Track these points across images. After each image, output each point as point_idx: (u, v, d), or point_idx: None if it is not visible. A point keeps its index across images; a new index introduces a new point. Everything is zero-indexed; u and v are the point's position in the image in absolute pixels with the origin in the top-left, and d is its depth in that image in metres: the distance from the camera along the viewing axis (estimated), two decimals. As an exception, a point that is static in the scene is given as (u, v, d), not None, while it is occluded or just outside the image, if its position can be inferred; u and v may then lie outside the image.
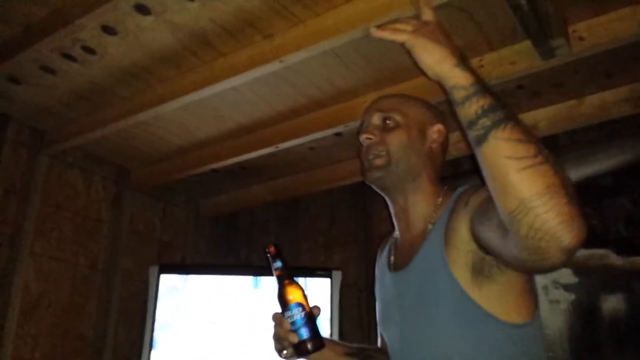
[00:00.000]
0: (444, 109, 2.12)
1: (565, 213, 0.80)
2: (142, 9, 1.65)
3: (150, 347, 2.38)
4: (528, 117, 2.21)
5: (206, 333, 2.41)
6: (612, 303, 2.00)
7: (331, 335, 2.37)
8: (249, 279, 2.50)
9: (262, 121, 2.29)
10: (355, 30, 1.62)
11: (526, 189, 0.82)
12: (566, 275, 2.10)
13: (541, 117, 2.19)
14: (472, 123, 0.90)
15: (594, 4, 1.67)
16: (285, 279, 1.20)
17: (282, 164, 2.67)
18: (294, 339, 1.15)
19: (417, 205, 1.23)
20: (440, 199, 1.22)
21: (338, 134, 2.32)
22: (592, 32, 1.71)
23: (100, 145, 2.49)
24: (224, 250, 3.14)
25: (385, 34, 1.04)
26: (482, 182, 0.98)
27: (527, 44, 1.73)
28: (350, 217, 2.79)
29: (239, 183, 2.92)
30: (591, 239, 2.04)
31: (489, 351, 1.03)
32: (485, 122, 0.89)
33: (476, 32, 1.76)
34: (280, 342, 1.20)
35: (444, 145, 1.33)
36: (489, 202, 0.96)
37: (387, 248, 1.36)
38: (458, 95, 0.93)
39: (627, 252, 2.02)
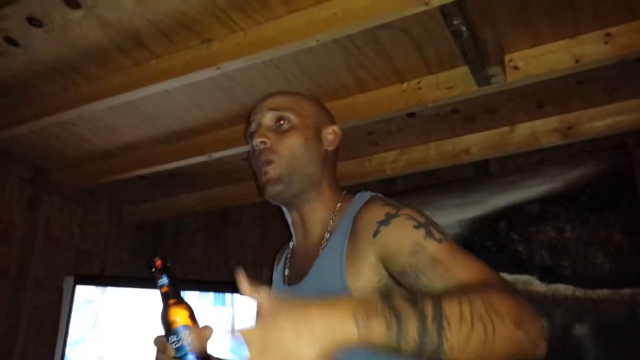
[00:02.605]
0: (393, 125, 2.15)
1: (535, 336, 0.78)
2: (72, 2, 1.55)
3: (61, 362, 2.22)
4: (461, 141, 2.25)
5: (123, 349, 2.28)
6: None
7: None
8: (171, 293, 2.39)
9: (194, 128, 2.21)
10: (295, 42, 1.59)
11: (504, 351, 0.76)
12: (491, 300, 2.13)
13: (473, 141, 2.23)
14: (420, 348, 0.72)
15: (530, 35, 1.71)
16: (171, 298, 1.06)
17: (214, 174, 2.58)
18: None
19: (315, 212, 1.14)
20: (339, 205, 1.13)
21: (273, 147, 2.26)
22: (527, 63, 1.76)
23: (18, 143, 2.31)
24: (146, 262, 2.97)
25: None
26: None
27: (464, 69, 1.76)
28: (282, 232, 2.69)
29: (167, 191, 2.80)
30: (516, 265, 2.11)
31: None
32: (429, 339, 0.72)
33: (416, 54, 1.77)
34: None
35: (338, 147, 1.23)
36: (417, 264, 0.90)
37: (282, 259, 1.26)
38: (389, 341, 0.71)
39: (550, 279, 2.07)
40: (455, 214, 2.30)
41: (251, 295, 0.75)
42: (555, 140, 2.13)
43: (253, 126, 1.17)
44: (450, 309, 0.73)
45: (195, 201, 2.82)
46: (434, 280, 0.88)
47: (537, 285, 2.08)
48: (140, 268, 2.95)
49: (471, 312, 0.74)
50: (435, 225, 0.97)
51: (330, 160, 1.19)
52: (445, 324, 0.72)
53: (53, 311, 2.40)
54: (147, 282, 2.45)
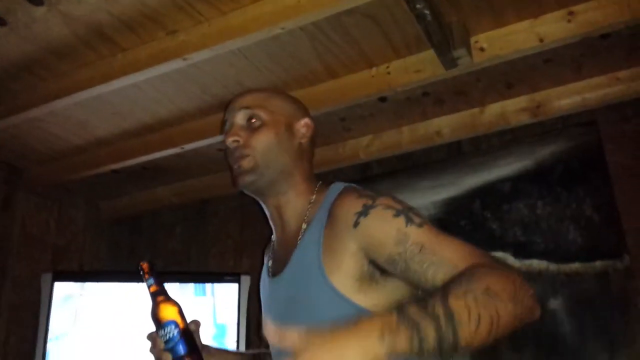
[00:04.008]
0: (365, 111, 2.16)
1: (529, 306, 0.85)
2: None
3: (43, 359, 2.22)
4: (432, 123, 2.27)
5: (105, 343, 2.28)
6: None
7: (237, 342, 2.32)
8: (151, 286, 2.39)
9: (166, 120, 2.20)
10: (261, 31, 1.59)
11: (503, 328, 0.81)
12: (467, 278, 2.17)
13: (445, 124, 2.25)
14: (440, 348, 0.78)
15: (494, 16, 1.73)
16: (158, 296, 1.14)
17: (189, 165, 2.58)
18: (167, 358, 1.08)
19: (290, 205, 1.17)
20: (314, 196, 1.16)
21: (247, 136, 2.26)
22: (493, 44, 1.78)
23: (-11, 142, 2.30)
24: (125, 256, 3.00)
25: None
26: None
27: (431, 52, 1.77)
28: (260, 221, 2.71)
29: (143, 184, 2.80)
30: (490, 242, 2.15)
31: None
32: (445, 338, 0.77)
33: (383, 39, 1.77)
34: None
35: (313, 139, 1.26)
36: (405, 253, 0.94)
37: (268, 253, 1.30)
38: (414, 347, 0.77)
39: (524, 255, 2.11)
40: (430, 196, 2.32)
41: (281, 341, 0.80)
42: (525, 119, 2.16)
43: (227, 125, 1.20)
44: (458, 305, 0.78)
45: (172, 194, 2.81)
46: (425, 267, 0.93)
47: (511, 261, 2.11)
48: (120, 262, 2.95)
49: (476, 302, 0.79)
50: (412, 209, 1.00)
51: (305, 152, 1.22)
52: (457, 321, 0.77)
53: (33, 308, 2.39)
54: (126, 275, 2.48)
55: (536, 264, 2.10)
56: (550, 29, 1.72)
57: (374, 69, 1.92)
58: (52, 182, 2.58)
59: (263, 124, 1.17)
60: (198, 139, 2.20)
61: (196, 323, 1.16)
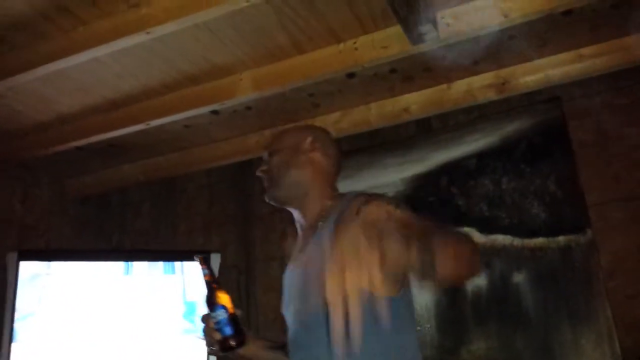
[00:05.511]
0: (333, 87, 2.15)
1: (476, 265, 1.06)
2: (-13, -31, 1.49)
3: (11, 339, 2.19)
4: (401, 100, 2.27)
5: (73, 322, 2.26)
6: (474, 278, 2.12)
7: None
8: (119, 265, 2.37)
9: (130, 96, 2.16)
10: (226, 4, 1.56)
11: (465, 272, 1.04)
12: (434, 253, 2.19)
13: (413, 100, 2.26)
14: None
15: (460, -8, 1.72)
16: (213, 284, 1.37)
17: (155, 142, 2.54)
18: (217, 336, 1.34)
19: (309, 208, 1.40)
20: (330, 202, 1.38)
21: (214, 112, 2.24)
22: (459, 20, 1.78)
23: (-53, 119, 2.23)
24: (93, 234, 2.95)
25: None
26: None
27: (398, 28, 1.76)
28: (229, 198, 2.74)
29: (108, 162, 2.75)
30: (457, 218, 2.18)
31: (370, 326, 1.13)
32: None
33: (350, 14, 1.76)
34: (209, 338, 1.39)
35: (325, 151, 1.45)
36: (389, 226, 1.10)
37: (289, 248, 1.54)
38: None
39: (489, 230, 2.15)
40: (398, 172, 2.34)
41: None
42: (491, 95, 2.18)
43: None
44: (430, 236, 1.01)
45: (138, 171, 2.78)
46: (401, 237, 1.07)
47: (477, 236, 2.15)
48: (87, 241, 2.91)
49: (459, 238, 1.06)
50: (402, 204, 1.22)
51: (317, 164, 1.42)
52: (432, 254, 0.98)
53: (-1, 288, 2.35)
54: (93, 254, 2.45)
55: (501, 239, 2.14)
56: (515, 5, 1.73)
57: (342, 44, 1.91)
58: (14, 161, 2.52)
59: (274, 156, 1.45)
60: (163, 115, 2.16)
61: (239, 311, 1.39)
